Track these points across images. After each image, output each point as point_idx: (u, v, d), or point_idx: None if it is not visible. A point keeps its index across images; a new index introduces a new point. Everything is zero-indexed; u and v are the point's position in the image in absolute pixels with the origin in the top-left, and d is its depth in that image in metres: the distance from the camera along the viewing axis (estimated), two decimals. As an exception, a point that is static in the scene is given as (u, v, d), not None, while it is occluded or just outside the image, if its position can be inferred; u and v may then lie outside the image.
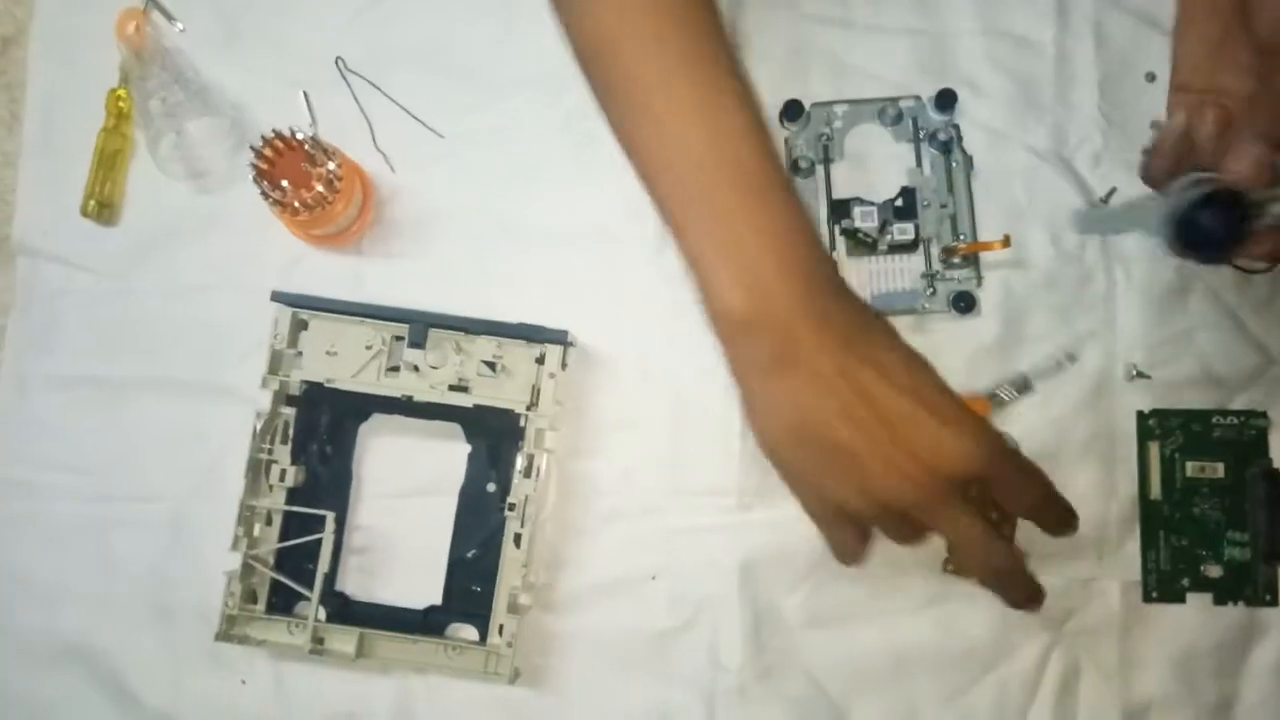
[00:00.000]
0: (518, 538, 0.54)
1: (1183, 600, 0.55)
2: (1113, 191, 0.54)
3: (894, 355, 0.40)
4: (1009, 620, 0.55)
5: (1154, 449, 0.55)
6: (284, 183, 0.53)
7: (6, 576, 0.58)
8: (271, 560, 0.56)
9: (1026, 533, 0.46)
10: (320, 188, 0.54)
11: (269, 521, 0.56)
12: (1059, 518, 0.43)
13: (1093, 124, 0.57)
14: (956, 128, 0.57)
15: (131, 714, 0.56)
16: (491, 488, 0.56)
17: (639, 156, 0.41)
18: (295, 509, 0.56)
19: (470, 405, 0.55)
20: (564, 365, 0.55)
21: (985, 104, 0.58)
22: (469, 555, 0.56)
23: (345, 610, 0.56)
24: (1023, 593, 0.43)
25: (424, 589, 0.56)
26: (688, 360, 0.57)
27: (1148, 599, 0.54)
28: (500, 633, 0.54)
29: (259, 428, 0.55)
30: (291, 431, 0.57)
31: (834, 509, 0.42)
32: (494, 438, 0.56)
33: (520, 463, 0.55)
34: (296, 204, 0.54)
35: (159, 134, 0.59)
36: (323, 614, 0.55)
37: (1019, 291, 0.57)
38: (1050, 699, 0.55)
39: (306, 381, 0.56)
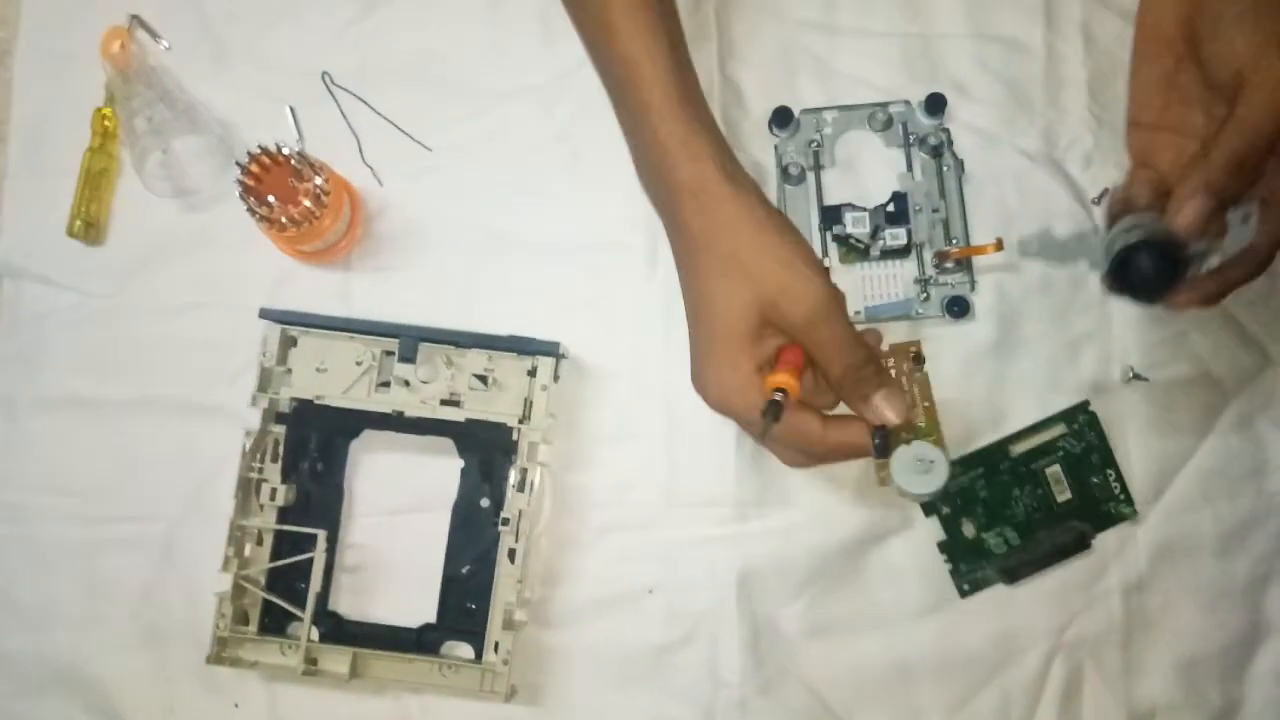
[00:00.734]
0: (512, 553, 0.54)
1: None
2: (1105, 193, 0.54)
3: None
4: (1011, 628, 0.54)
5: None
6: (271, 198, 0.53)
7: (-5, 601, 0.58)
8: (263, 580, 0.55)
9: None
10: (307, 203, 0.53)
11: (260, 541, 0.56)
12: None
13: (1083, 125, 0.57)
14: (947, 132, 0.57)
15: (122, 739, 0.56)
16: (485, 503, 0.56)
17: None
18: (286, 528, 0.55)
19: (462, 419, 0.55)
20: (556, 377, 0.55)
21: (975, 107, 0.58)
22: (463, 572, 0.56)
23: (338, 630, 0.56)
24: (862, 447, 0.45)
25: (418, 607, 0.56)
26: (681, 370, 0.56)
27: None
28: (496, 650, 0.53)
29: (249, 446, 0.55)
30: (282, 449, 0.56)
31: None
32: (487, 452, 0.56)
33: (514, 477, 0.54)
34: (284, 220, 0.53)
35: (145, 152, 0.59)
36: (316, 634, 0.55)
37: (1013, 295, 0.56)
38: (1053, 707, 0.54)
39: (296, 399, 0.56)
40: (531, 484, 0.54)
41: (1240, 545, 0.55)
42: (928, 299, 0.56)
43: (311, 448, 0.57)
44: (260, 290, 0.58)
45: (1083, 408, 0.55)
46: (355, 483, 0.57)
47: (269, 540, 0.56)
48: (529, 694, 0.55)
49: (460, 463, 0.56)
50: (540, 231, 0.58)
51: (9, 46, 0.62)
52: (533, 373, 0.55)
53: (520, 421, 0.54)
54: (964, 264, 0.56)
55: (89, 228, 0.59)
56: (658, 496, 0.56)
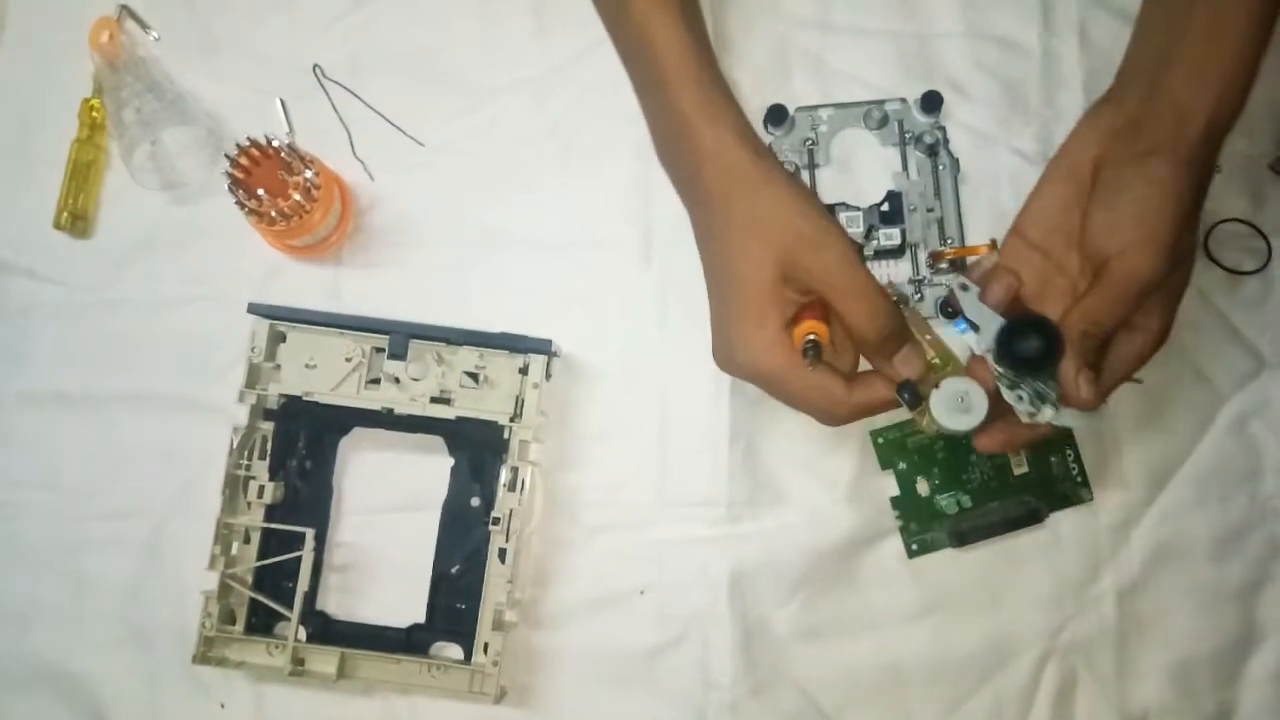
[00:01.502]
0: (502, 553, 0.53)
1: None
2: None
3: None
4: (1004, 631, 0.54)
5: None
6: (260, 191, 0.53)
7: (-23, 598, 0.57)
8: (250, 579, 0.55)
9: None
10: (297, 196, 0.53)
11: (247, 539, 0.55)
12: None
13: (1079, 126, 0.57)
14: (942, 130, 0.57)
15: (106, 739, 0.55)
16: (475, 502, 0.55)
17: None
18: (274, 526, 0.55)
19: (453, 417, 0.54)
20: (548, 375, 0.54)
21: (971, 106, 0.57)
22: (453, 571, 0.55)
23: (326, 630, 0.55)
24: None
25: (407, 607, 0.55)
26: (674, 369, 0.56)
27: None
28: (485, 651, 0.53)
29: (236, 443, 0.54)
30: (270, 446, 0.55)
31: None
32: (477, 450, 0.55)
33: (504, 476, 0.54)
34: (273, 213, 0.53)
35: (133, 144, 0.58)
36: (303, 634, 0.54)
37: (1008, 296, 0.56)
38: (1047, 710, 0.54)
39: (285, 395, 0.55)
40: (522, 483, 0.53)
41: (1234, 549, 0.55)
42: (921, 299, 0.56)
43: (300, 445, 0.56)
44: (249, 285, 0.57)
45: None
46: (344, 480, 0.57)
47: (256, 539, 0.55)
48: (518, 695, 0.54)
49: (450, 461, 0.56)
50: (533, 227, 0.58)
51: (-4, 36, 0.62)
52: (524, 370, 0.54)
53: (511, 420, 0.54)
54: (958, 264, 0.56)
55: (76, 220, 0.58)
56: (650, 496, 0.56)
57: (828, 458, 0.55)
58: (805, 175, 0.57)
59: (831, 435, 0.50)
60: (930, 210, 0.56)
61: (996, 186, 0.57)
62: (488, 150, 0.58)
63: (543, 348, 0.54)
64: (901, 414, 0.46)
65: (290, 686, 0.54)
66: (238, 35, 0.60)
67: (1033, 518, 0.54)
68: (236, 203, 0.53)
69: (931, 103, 0.56)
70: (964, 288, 0.45)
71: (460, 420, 0.54)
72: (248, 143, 0.53)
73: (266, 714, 0.55)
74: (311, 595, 0.55)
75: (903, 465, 0.55)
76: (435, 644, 0.55)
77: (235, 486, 0.55)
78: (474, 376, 0.54)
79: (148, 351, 0.58)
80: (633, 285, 0.57)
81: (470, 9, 0.60)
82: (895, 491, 0.55)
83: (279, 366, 0.55)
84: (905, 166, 0.57)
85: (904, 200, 0.56)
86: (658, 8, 0.47)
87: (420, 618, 0.55)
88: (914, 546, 0.55)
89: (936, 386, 0.45)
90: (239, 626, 0.54)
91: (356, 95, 0.59)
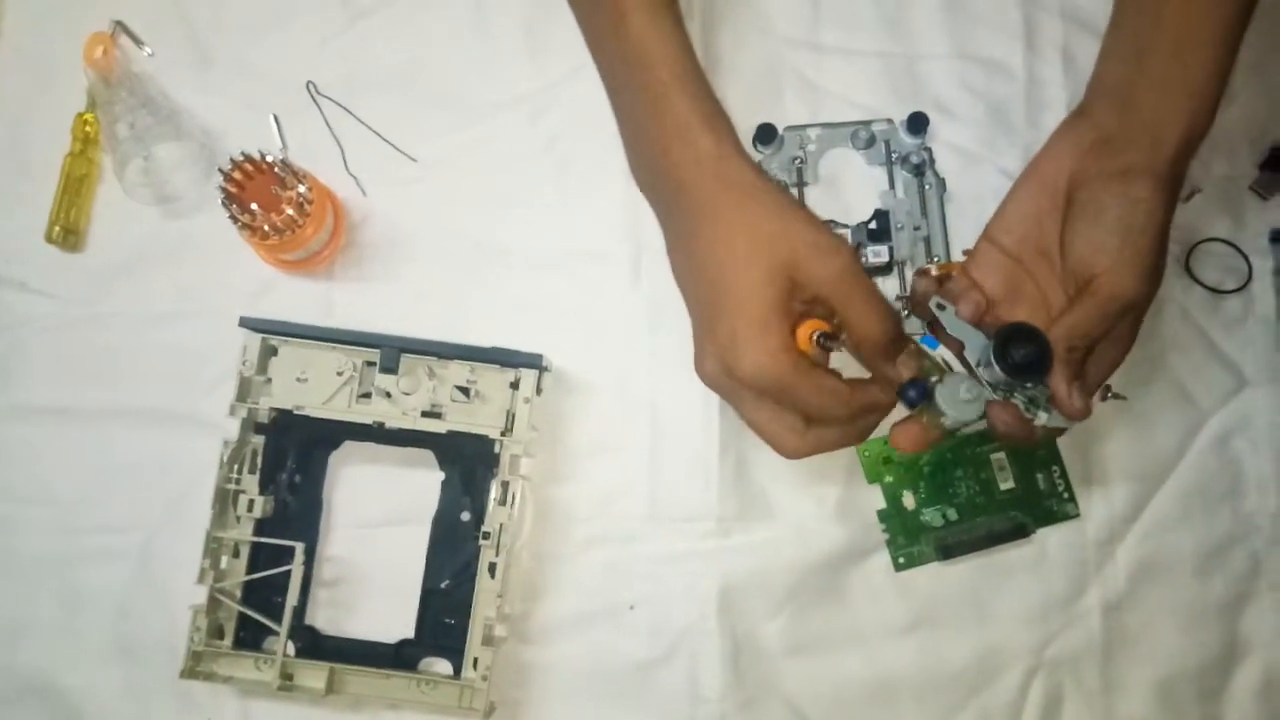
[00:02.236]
0: (493, 567, 0.53)
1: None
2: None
3: None
4: (991, 645, 0.54)
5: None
6: (253, 206, 0.53)
7: (-36, 613, 0.56)
8: (239, 594, 0.55)
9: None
10: (290, 211, 0.53)
11: (236, 554, 0.55)
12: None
13: (1063, 146, 0.58)
14: (929, 150, 0.58)
15: (92, 755, 0.55)
16: (466, 516, 0.55)
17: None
18: (263, 540, 0.54)
19: (443, 431, 0.54)
20: (539, 390, 0.55)
21: (957, 126, 0.58)
22: (442, 586, 0.55)
23: (315, 645, 0.55)
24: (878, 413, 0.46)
25: (396, 622, 0.55)
26: (665, 384, 0.56)
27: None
28: (475, 666, 0.53)
29: (226, 457, 0.54)
30: (260, 460, 0.55)
31: None
32: (468, 465, 0.55)
33: (495, 490, 0.54)
34: (266, 228, 0.53)
35: (126, 158, 0.58)
36: (291, 649, 0.54)
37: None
38: (1034, 725, 0.54)
39: (276, 409, 0.55)
40: (513, 497, 0.54)
41: (1218, 564, 0.55)
42: (909, 317, 0.56)
43: (290, 459, 0.56)
44: (241, 299, 0.57)
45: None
46: (334, 494, 0.57)
47: (245, 553, 0.55)
48: (508, 711, 0.54)
49: (441, 475, 0.56)
50: (524, 242, 0.58)
51: (-11, 51, 0.62)
52: (515, 385, 0.55)
53: (502, 434, 0.54)
54: (943, 281, 0.56)
55: (68, 234, 0.58)
56: (640, 511, 0.56)
57: (816, 473, 0.55)
58: (794, 193, 0.58)
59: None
60: (917, 228, 0.57)
61: (982, 205, 0.57)
62: (480, 166, 0.59)
63: (534, 362, 0.54)
64: (885, 427, 0.47)
65: (279, 701, 0.54)
66: (232, 51, 0.61)
67: (1019, 532, 0.55)
68: (230, 217, 0.53)
69: (918, 124, 0.57)
70: (940, 307, 0.46)
71: (451, 434, 0.54)
72: (241, 158, 0.53)
73: (254, 729, 0.55)
74: (300, 610, 0.54)
75: (889, 479, 0.55)
76: (424, 659, 0.55)
77: (225, 500, 0.54)
78: (465, 391, 0.55)
79: (139, 365, 0.58)
80: (624, 301, 0.57)
81: (464, 27, 0.60)
82: (882, 505, 0.55)
83: (270, 380, 0.55)
84: (892, 185, 0.58)
85: (891, 219, 0.57)
86: (658, 21, 0.47)
87: (410, 633, 0.55)
88: (901, 559, 0.55)
89: (939, 381, 0.45)
90: (228, 641, 0.54)
91: (350, 111, 0.59)
